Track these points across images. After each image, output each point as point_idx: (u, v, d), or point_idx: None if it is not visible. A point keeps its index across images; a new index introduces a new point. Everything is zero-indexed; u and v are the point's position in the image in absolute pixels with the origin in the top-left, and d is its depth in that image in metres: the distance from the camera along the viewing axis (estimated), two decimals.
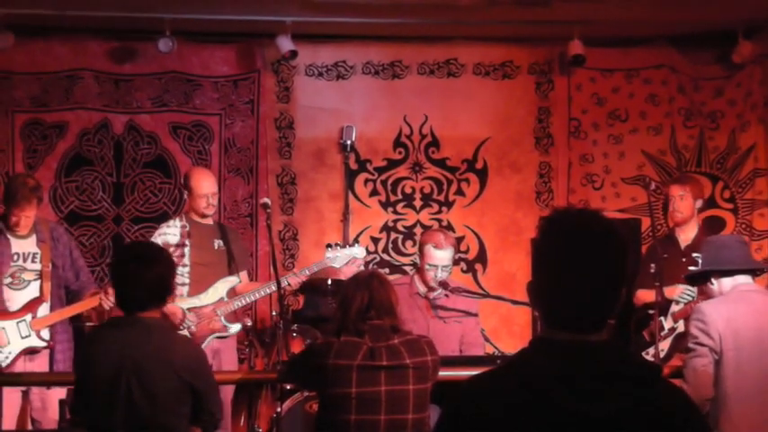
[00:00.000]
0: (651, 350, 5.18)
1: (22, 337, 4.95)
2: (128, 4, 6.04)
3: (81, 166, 6.48)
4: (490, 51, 6.76)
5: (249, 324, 5.55)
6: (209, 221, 5.47)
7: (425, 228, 6.56)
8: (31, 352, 4.99)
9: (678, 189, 5.55)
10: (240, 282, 5.43)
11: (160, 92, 6.54)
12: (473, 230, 6.76)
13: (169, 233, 5.37)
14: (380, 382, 3.67)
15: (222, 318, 5.25)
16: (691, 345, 3.92)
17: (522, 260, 6.52)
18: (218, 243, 5.44)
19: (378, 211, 6.74)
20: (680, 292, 5.25)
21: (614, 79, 6.77)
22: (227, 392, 5.17)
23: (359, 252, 5.37)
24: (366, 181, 6.74)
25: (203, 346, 4.90)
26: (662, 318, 5.26)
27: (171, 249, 5.14)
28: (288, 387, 4.65)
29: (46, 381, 4.93)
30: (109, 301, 4.95)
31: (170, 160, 6.57)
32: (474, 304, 5.13)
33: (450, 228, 6.61)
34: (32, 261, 5.07)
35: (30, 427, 5.09)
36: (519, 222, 6.71)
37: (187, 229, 5.38)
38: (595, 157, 6.77)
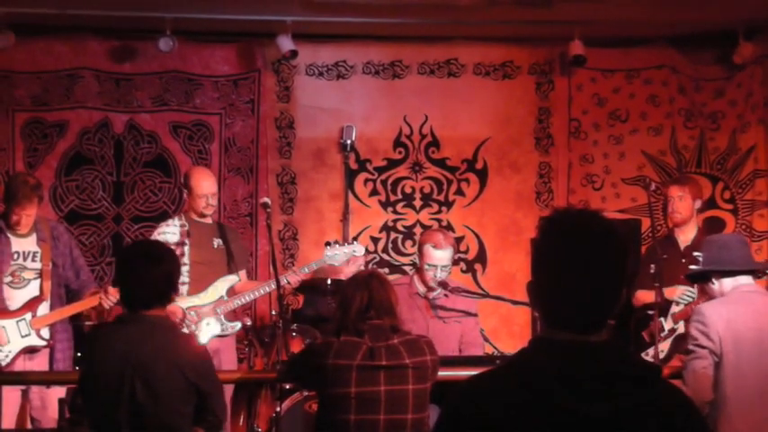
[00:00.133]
0: (651, 351, 5.18)
1: (22, 336, 4.95)
2: (128, 3, 6.04)
3: (81, 165, 6.48)
4: (490, 51, 6.76)
5: (249, 323, 5.55)
6: (209, 221, 5.48)
7: (425, 228, 6.56)
8: (30, 351, 4.99)
9: (677, 190, 5.55)
10: (240, 281, 5.43)
11: (160, 91, 6.55)
12: (473, 230, 6.76)
13: (168, 232, 5.37)
14: (380, 381, 3.67)
15: (222, 316, 5.25)
16: (690, 347, 3.91)
17: (522, 260, 6.52)
18: (217, 242, 5.45)
19: (377, 210, 6.74)
20: (680, 294, 5.25)
21: (615, 80, 6.77)
22: (227, 392, 5.17)
23: (358, 249, 5.37)
24: (366, 181, 6.74)
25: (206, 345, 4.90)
26: (662, 319, 5.26)
27: (175, 248, 5.15)
28: (287, 387, 4.65)
29: (45, 380, 4.93)
30: (109, 300, 4.95)
31: (170, 159, 6.57)
32: (473, 304, 5.13)
33: (449, 228, 6.61)
34: (33, 260, 5.07)
35: (29, 425, 5.08)
36: (519, 222, 6.71)
37: (186, 228, 5.39)
38: (595, 157, 6.77)
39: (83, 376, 3.57)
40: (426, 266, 4.95)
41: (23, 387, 5.04)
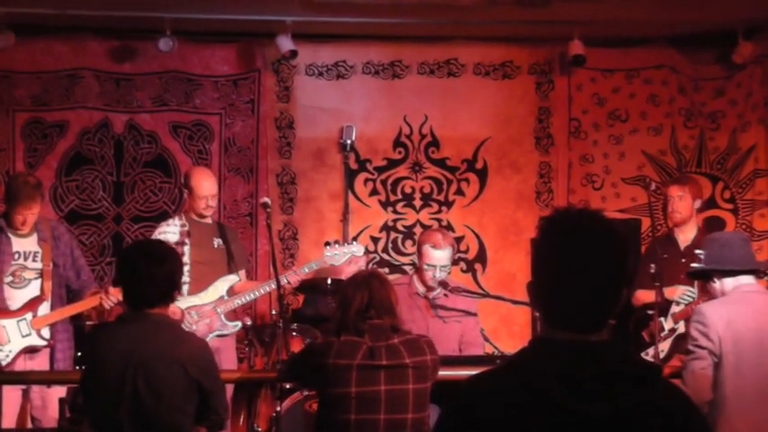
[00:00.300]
0: (651, 351, 5.18)
1: (23, 336, 4.95)
2: (128, 3, 6.04)
3: (81, 165, 6.49)
4: (490, 51, 6.77)
5: (249, 323, 5.56)
6: (209, 220, 5.48)
7: (425, 227, 6.56)
8: (31, 351, 4.99)
9: (677, 189, 5.55)
10: (240, 280, 5.44)
11: (160, 91, 6.55)
12: (473, 230, 6.76)
13: (169, 232, 5.38)
14: (380, 381, 3.67)
15: (222, 316, 5.26)
16: (690, 347, 3.91)
17: (522, 260, 6.52)
18: (217, 242, 5.45)
19: (377, 210, 6.74)
20: (680, 294, 5.25)
21: (614, 79, 6.77)
22: (228, 392, 5.17)
23: (358, 250, 5.37)
24: (366, 180, 6.74)
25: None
26: (662, 318, 5.26)
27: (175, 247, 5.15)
28: (287, 386, 4.65)
29: (46, 379, 4.93)
30: (109, 300, 4.95)
31: (170, 160, 6.57)
32: (473, 304, 5.13)
33: (449, 227, 6.62)
34: (33, 260, 5.07)
35: (30, 425, 5.09)
36: (519, 222, 6.72)
37: (187, 227, 5.39)
38: (595, 157, 6.78)
39: (84, 375, 3.57)
40: (425, 267, 4.95)
41: (24, 387, 5.04)
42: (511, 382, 1.73)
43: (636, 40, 6.69)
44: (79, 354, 5.18)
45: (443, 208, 6.77)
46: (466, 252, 6.72)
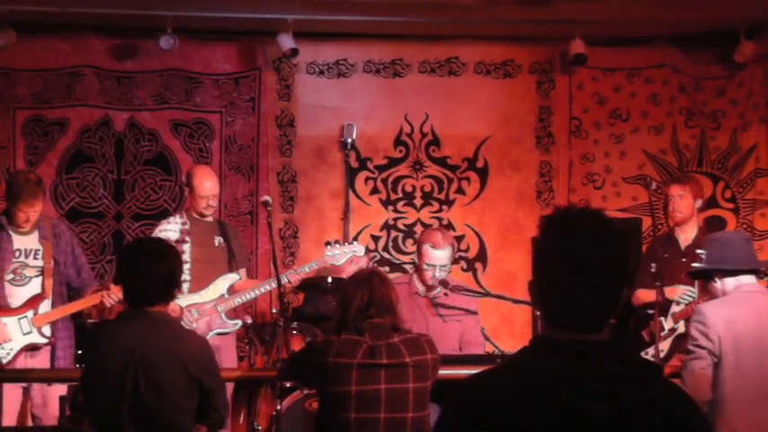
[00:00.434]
0: (651, 350, 5.18)
1: (24, 334, 4.95)
2: (129, 1, 6.04)
3: (82, 162, 6.49)
4: (491, 50, 6.76)
5: (249, 322, 5.56)
6: (210, 219, 5.49)
7: (426, 226, 6.55)
8: (32, 348, 4.99)
9: (678, 189, 5.55)
10: (240, 279, 5.44)
11: (161, 89, 6.55)
12: (473, 229, 6.76)
13: (169, 230, 5.38)
14: (380, 380, 3.67)
15: (222, 314, 5.26)
16: (690, 347, 3.90)
17: (523, 259, 6.52)
18: (218, 240, 5.46)
19: (378, 209, 6.74)
20: (681, 293, 5.25)
21: (615, 79, 6.77)
22: (228, 390, 5.17)
23: (358, 249, 5.37)
24: (367, 179, 6.74)
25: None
26: (662, 318, 5.25)
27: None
28: (288, 385, 4.65)
29: (47, 377, 4.93)
30: (111, 298, 4.96)
31: (171, 158, 6.57)
32: (474, 303, 5.12)
33: (450, 226, 6.62)
34: (34, 257, 5.07)
35: (30, 423, 5.09)
36: (519, 221, 6.72)
37: (188, 225, 5.40)
38: (596, 156, 6.78)
39: (85, 373, 3.57)
40: (425, 266, 4.94)
41: (25, 384, 5.05)
42: (511, 381, 1.73)
43: (637, 39, 6.69)
44: (80, 352, 5.18)
45: (444, 207, 6.77)
46: (466, 251, 6.72)
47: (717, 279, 3.98)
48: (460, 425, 1.74)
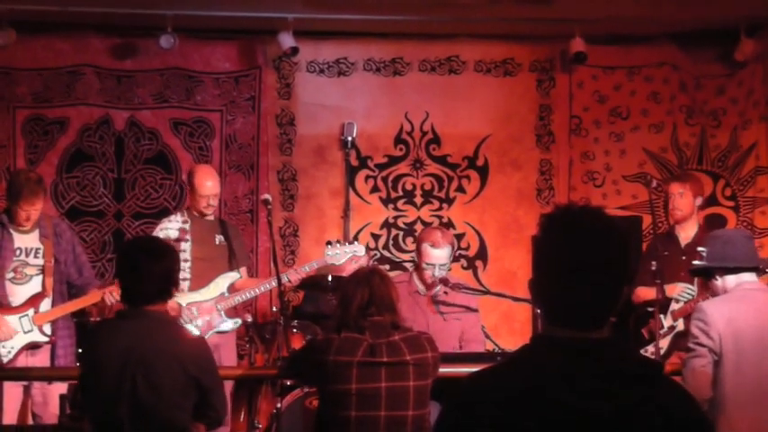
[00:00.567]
0: (650, 348, 5.18)
1: (24, 332, 4.96)
2: (129, 0, 6.04)
3: (82, 161, 6.49)
4: (491, 49, 6.76)
5: (249, 320, 5.57)
6: (211, 217, 5.49)
7: (426, 224, 6.56)
8: (32, 347, 4.99)
9: (678, 187, 5.54)
10: (240, 277, 5.44)
11: (161, 88, 6.55)
12: (474, 227, 6.76)
13: (170, 228, 5.39)
14: (381, 378, 3.67)
15: (222, 313, 5.26)
16: (690, 344, 3.90)
17: (523, 257, 6.52)
18: (219, 238, 5.46)
19: (378, 207, 6.74)
20: (679, 291, 5.25)
21: (616, 77, 6.77)
22: (227, 388, 5.17)
23: (359, 250, 5.37)
24: (367, 177, 6.74)
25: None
26: (661, 316, 5.25)
27: (174, 244, 5.16)
28: (288, 383, 4.65)
29: (47, 376, 4.94)
30: (113, 296, 4.96)
31: (171, 156, 6.58)
32: (474, 300, 5.12)
33: (450, 225, 6.62)
34: (35, 256, 5.07)
35: (30, 421, 5.09)
36: (520, 220, 6.72)
37: (189, 224, 5.41)
38: (596, 154, 6.78)
39: (83, 372, 3.57)
40: (424, 265, 4.92)
41: (25, 383, 5.05)
42: (512, 379, 1.73)
43: (637, 37, 6.68)
44: (80, 350, 5.18)
45: (444, 205, 6.77)
46: (467, 249, 6.72)
47: (718, 277, 3.97)
48: (461, 423, 1.74)
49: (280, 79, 6.67)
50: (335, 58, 6.69)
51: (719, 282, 3.97)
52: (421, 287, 5.00)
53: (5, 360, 4.90)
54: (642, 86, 6.75)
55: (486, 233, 6.76)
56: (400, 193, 6.76)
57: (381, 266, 6.13)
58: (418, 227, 6.63)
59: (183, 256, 5.30)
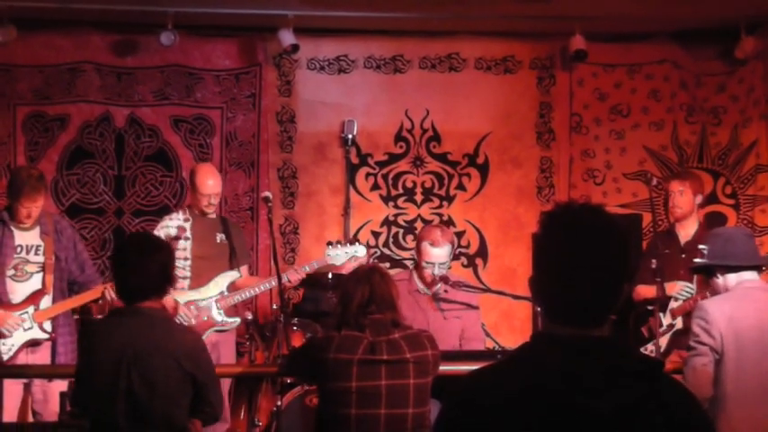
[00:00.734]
0: (650, 346, 5.18)
1: (25, 330, 4.95)
2: None
3: (82, 158, 6.49)
4: (492, 46, 6.76)
5: (250, 318, 5.56)
6: (212, 215, 5.49)
7: (426, 222, 6.56)
8: (33, 344, 4.99)
9: (678, 185, 5.54)
10: (241, 276, 5.44)
11: (162, 85, 6.55)
12: (474, 225, 6.76)
13: (171, 226, 5.40)
14: (381, 376, 3.67)
15: (222, 311, 5.26)
16: (691, 343, 3.90)
17: (523, 255, 6.52)
18: (220, 237, 5.46)
19: (379, 205, 6.74)
20: (679, 289, 5.25)
21: (616, 74, 6.76)
22: (226, 386, 5.18)
23: (360, 250, 5.36)
24: (367, 175, 6.74)
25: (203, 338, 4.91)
26: (660, 314, 5.25)
27: (173, 242, 5.16)
28: (288, 381, 4.66)
29: (48, 373, 4.94)
30: (112, 293, 4.95)
31: (171, 154, 6.57)
32: (475, 298, 5.12)
33: (450, 222, 6.62)
34: (36, 253, 5.07)
35: (31, 419, 5.09)
36: (520, 217, 6.72)
37: (189, 222, 5.41)
38: (597, 152, 6.78)
39: (79, 369, 3.57)
40: (424, 264, 4.92)
41: (25, 380, 5.05)
42: (512, 377, 1.73)
43: (638, 35, 6.68)
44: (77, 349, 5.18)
45: (444, 203, 6.77)
46: (467, 247, 6.72)
47: (719, 275, 3.97)
48: (461, 420, 1.74)
49: (280, 76, 6.67)
50: (336, 56, 6.69)
51: (720, 280, 3.97)
52: (421, 285, 4.99)
53: (6, 357, 4.90)
54: (642, 84, 6.75)
55: (486, 231, 6.76)
56: (400, 190, 6.76)
57: (381, 264, 6.14)
58: (418, 224, 6.63)
59: (182, 254, 5.31)
